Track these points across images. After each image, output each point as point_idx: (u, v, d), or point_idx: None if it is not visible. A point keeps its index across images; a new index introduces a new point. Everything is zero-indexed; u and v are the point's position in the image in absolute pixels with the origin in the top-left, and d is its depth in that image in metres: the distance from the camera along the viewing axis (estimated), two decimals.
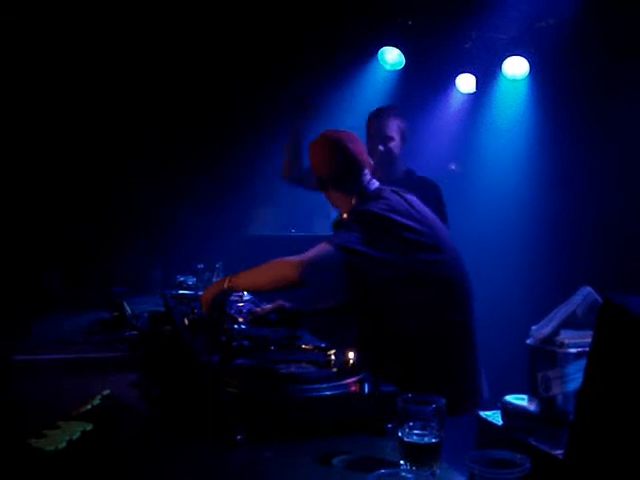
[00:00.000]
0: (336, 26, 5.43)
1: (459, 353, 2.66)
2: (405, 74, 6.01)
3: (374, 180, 2.76)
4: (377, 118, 3.78)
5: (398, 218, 2.50)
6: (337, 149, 2.72)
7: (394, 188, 2.71)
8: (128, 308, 3.30)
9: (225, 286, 2.56)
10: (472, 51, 5.86)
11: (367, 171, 2.74)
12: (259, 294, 3.34)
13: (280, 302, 2.89)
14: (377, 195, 2.64)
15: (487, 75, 5.96)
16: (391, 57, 5.95)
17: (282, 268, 2.42)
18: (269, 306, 2.94)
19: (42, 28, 4.80)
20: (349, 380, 1.88)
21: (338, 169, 2.70)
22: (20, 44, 4.77)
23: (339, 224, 2.72)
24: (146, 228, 5.48)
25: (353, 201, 2.68)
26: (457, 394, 2.55)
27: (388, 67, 6.00)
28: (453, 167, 6.25)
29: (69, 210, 5.25)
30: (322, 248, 2.44)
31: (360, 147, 2.77)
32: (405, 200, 2.62)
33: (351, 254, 2.40)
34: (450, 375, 2.61)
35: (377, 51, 5.93)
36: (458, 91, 6.10)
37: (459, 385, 2.64)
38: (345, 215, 2.76)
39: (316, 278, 2.40)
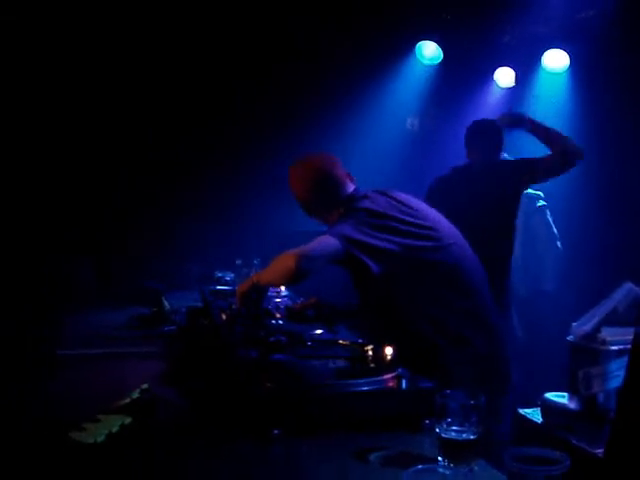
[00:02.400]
0: (374, 20, 5.41)
1: (474, 343, 2.63)
2: (443, 68, 5.98)
3: (357, 188, 2.77)
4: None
5: (387, 211, 2.53)
6: (312, 176, 2.79)
7: (381, 190, 2.72)
8: (167, 303, 3.32)
9: (254, 281, 2.60)
10: (511, 44, 5.80)
11: (348, 182, 2.77)
12: (292, 289, 3.39)
13: (314, 298, 2.90)
14: (364, 196, 2.66)
15: (526, 68, 5.89)
16: (429, 51, 5.92)
17: (283, 260, 2.43)
18: (305, 302, 2.95)
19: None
20: (386, 376, 1.87)
21: (318, 193, 2.76)
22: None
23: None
24: (186, 223, 5.52)
25: (341, 209, 2.69)
26: (480, 381, 2.52)
27: (426, 61, 5.97)
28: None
29: (105, 205, 5.30)
30: (320, 239, 2.46)
31: (331, 165, 2.80)
32: (393, 198, 2.63)
33: (349, 243, 2.41)
34: (467, 362, 2.59)
35: (415, 45, 5.90)
36: (497, 85, 6.04)
37: (480, 371, 2.61)
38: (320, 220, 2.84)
39: (314, 269, 2.41)
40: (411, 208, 2.61)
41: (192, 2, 5.14)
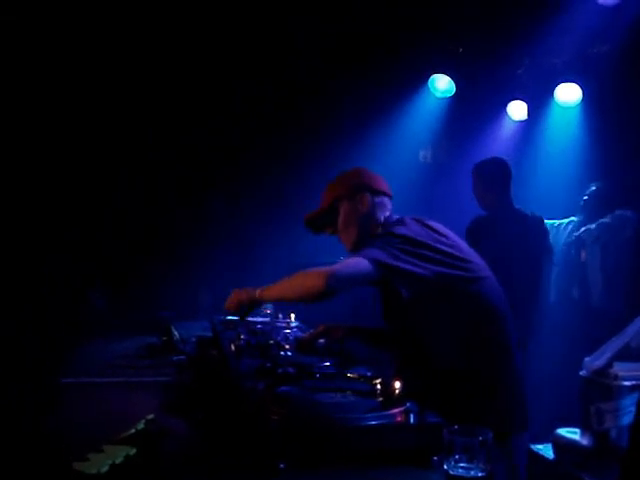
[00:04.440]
0: (387, 53, 5.45)
1: (499, 378, 2.61)
2: (456, 101, 6.00)
3: (395, 214, 2.76)
4: None
5: (423, 239, 2.49)
6: (357, 177, 2.76)
7: (415, 217, 2.70)
8: (176, 333, 3.31)
9: (257, 295, 2.57)
10: (524, 78, 5.83)
11: (386, 202, 2.76)
12: (290, 305, 3.36)
13: (323, 326, 2.88)
14: (400, 222, 2.64)
15: (539, 102, 5.91)
16: (442, 84, 5.95)
17: (309, 278, 2.40)
18: (314, 331, 2.92)
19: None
20: (395, 410, 1.85)
21: (355, 193, 2.71)
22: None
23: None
24: (198, 252, 5.53)
25: (378, 229, 2.67)
26: (500, 421, 2.49)
27: (439, 94, 6.00)
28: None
29: (117, 234, 5.32)
30: (350, 260, 2.43)
31: (383, 182, 2.79)
32: (428, 227, 2.61)
33: (379, 266, 2.38)
34: (492, 398, 2.56)
35: (428, 78, 5.93)
36: (510, 118, 6.06)
37: (502, 409, 2.58)
38: (348, 248, 2.77)
39: (342, 289, 2.37)
40: (446, 237, 2.58)
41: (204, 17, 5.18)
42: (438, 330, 2.55)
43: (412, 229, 2.56)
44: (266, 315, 3.57)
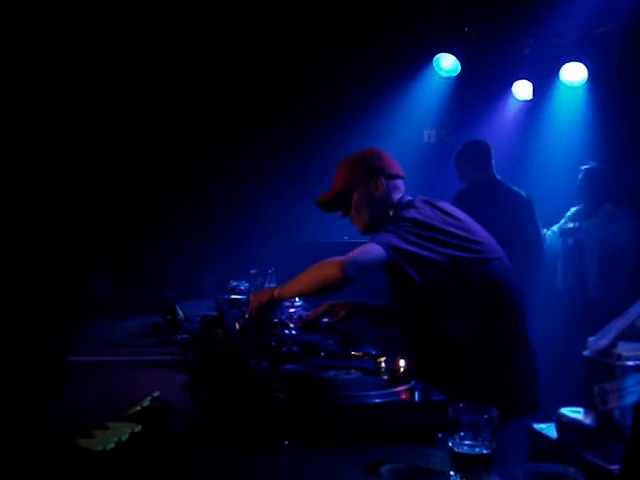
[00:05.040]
0: (392, 33, 5.41)
1: (512, 360, 2.61)
2: (461, 81, 5.97)
3: (407, 195, 2.74)
4: None
5: (435, 222, 2.49)
6: (372, 159, 2.74)
7: (425, 198, 2.69)
8: (180, 312, 3.32)
9: (275, 294, 2.56)
10: (529, 57, 5.80)
11: (399, 184, 2.74)
12: (309, 299, 3.34)
13: (327, 303, 2.88)
14: (410, 205, 2.62)
15: (544, 82, 5.88)
16: (447, 64, 5.92)
17: (326, 268, 2.40)
18: (318, 309, 2.92)
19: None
20: (399, 388, 1.85)
21: (370, 177, 2.70)
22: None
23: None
24: (199, 233, 5.53)
25: (390, 211, 2.66)
26: (511, 403, 2.50)
27: (443, 74, 5.97)
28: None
29: (122, 214, 5.32)
30: (366, 247, 2.42)
31: (396, 163, 2.77)
32: (439, 209, 2.59)
33: (395, 251, 2.37)
34: (503, 383, 2.57)
35: (432, 58, 5.89)
36: (514, 98, 6.03)
37: (513, 393, 2.58)
38: (360, 229, 2.77)
39: (360, 276, 2.38)
40: (458, 220, 2.57)
41: (208, 22, 5.17)
42: (449, 312, 2.55)
43: (423, 212, 2.55)
44: None
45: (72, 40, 4.87)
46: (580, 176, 5.18)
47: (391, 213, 2.66)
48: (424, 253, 2.40)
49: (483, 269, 2.53)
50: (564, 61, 5.67)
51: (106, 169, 5.27)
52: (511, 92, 6.01)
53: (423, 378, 1.94)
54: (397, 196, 2.71)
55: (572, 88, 5.77)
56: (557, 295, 5.25)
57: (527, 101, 6.02)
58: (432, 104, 6.06)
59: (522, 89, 5.96)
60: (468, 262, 2.49)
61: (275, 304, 2.62)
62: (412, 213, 2.52)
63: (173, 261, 5.32)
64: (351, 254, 2.40)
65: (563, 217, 5.41)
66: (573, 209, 5.35)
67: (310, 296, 2.74)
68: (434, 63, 5.92)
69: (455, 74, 5.94)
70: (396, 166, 2.75)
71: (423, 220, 2.48)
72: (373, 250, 2.39)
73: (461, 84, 5.99)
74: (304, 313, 3.09)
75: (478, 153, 4.81)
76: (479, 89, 5.94)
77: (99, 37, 4.97)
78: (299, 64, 5.60)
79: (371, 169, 2.70)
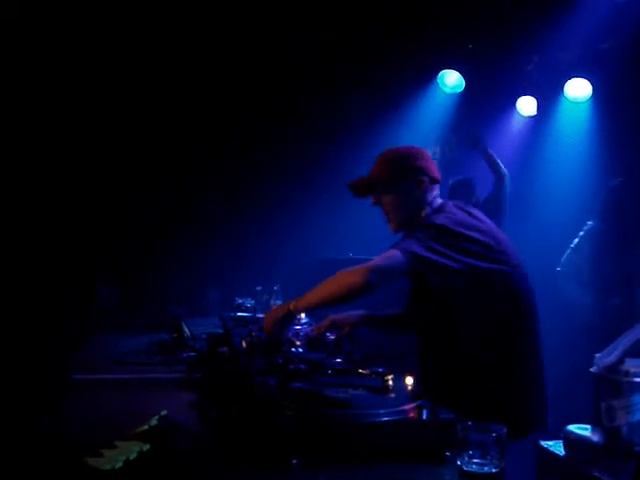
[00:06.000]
0: (396, 49, 5.44)
1: (524, 372, 2.61)
2: (465, 97, 5.98)
3: (439, 198, 2.75)
4: None
5: (462, 230, 2.48)
6: (419, 158, 2.73)
7: (457, 203, 2.70)
8: (187, 329, 3.31)
9: (291, 308, 2.55)
10: (533, 73, 5.81)
11: (435, 187, 2.74)
12: (315, 314, 3.33)
13: (330, 317, 2.87)
14: (441, 209, 2.63)
15: (549, 97, 5.89)
16: (451, 80, 5.93)
17: (347, 277, 2.41)
18: (322, 324, 2.91)
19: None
20: (407, 406, 1.85)
21: (414, 176, 2.70)
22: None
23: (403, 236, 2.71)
24: (203, 249, 5.53)
25: (422, 213, 2.66)
26: (521, 416, 2.49)
27: (448, 90, 5.98)
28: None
29: (128, 228, 5.33)
30: (388, 253, 2.43)
31: (436, 166, 2.79)
32: (469, 214, 2.60)
33: (417, 259, 2.38)
34: (514, 395, 2.56)
35: (437, 74, 5.91)
36: (519, 114, 6.04)
37: (523, 406, 2.58)
38: (394, 227, 2.76)
39: (382, 282, 2.38)
40: (485, 224, 2.59)
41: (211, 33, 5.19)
42: (467, 319, 2.55)
43: (452, 216, 2.56)
44: None
45: (72, 44, 4.90)
46: (605, 194, 5.17)
47: (423, 214, 2.67)
48: (445, 262, 2.40)
49: (504, 279, 2.53)
50: (568, 77, 5.69)
51: (112, 184, 5.29)
52: (515, 108, 6.02)
53: (434, 386, 1.93)
54: (432, 199, 2.72)
55: (577, 104, 5.77)
56: (576, 309, 5.22)
57: (531, 117, 6.03)
58: (437, 120, 6.08)
59: (526, 105, 5.97)
60: (490, 272, 2.49)
61: (291, 318, 2.61)
62: (441, 219, 2.53)
63: (177, 276, 5.32)
64: (374, 261, 2.42)
65: (576, 233, 5.38)
66: (590, 223, 5.32)
67: (329, 306, 2.71)
68: (438, 79, 5.94)
69: (459, 90, 5.95)
70: (437, 170, 2.76)
71: (450, 227, 2.48)
72: (394, 257, 2.40)
73: (465, 100, 6.00)
74: (310, 330, 3.08)
75: (468, 188, 5.15)
76: (483, 105, 5.95)
77: (99, 40, 4.99)
78: (302, 82, 5.62)
79: (416, 167, 2.71)
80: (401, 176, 2.70)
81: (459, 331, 2.58)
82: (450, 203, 2.69)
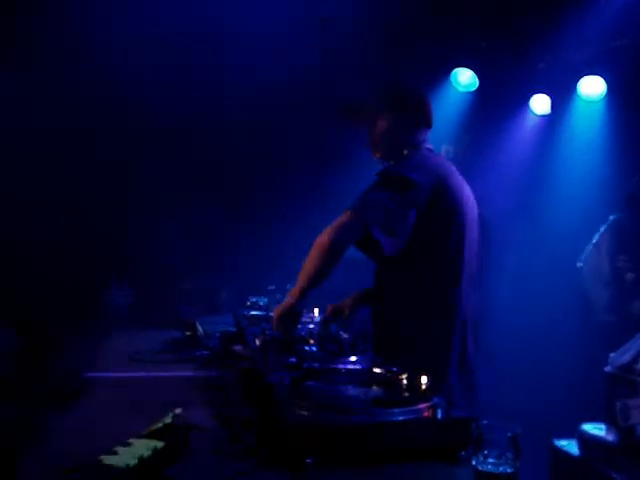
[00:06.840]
0: (409, 47, 5.43)
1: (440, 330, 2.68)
2: (478, 95, 5.97)
3: (428, 143, 2.82)
4: None
5: (425, 182, 2.57)
6: (425, 101, 2.87)
7: (439, 154, 2.90)
8: (200, 328, 3.32)
9: (291, 300, 2.59)
10: (547, 71, 5.78)
11: (426, 132, 2.83)
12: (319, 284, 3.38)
13: (330, 306, 2.92)
14: (416, 154, 2.75)
15: (562, 96, 5.87)
16: (464, 78, 5.92)
17: (316, 244, 2.56)
18: (325, 315, 2.96)
19: None
20: (421, 405, 1.84)
21: (412, 108, 2.81)
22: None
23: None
24: (216, 248, 5.55)
25: (404, 151, 2.75)
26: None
27: (461, 88, 5.97)
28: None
29: (140, 227, 5.36)
30: (344, 214, 2.58)
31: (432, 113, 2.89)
32: (441, 162, 2.75)
33: (368, 220, 2.54)
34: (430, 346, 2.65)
35: (450, 72, 5.90)
36: (532, 112, 6.02)
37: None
38: (376, 155, 2.87)
39: (346, 240, 2.57)
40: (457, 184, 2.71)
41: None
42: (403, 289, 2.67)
43: (424, 167, 2.65)
44: None
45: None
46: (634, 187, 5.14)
47: (405, 153, 2.76)
48: (391, 206, 2.53)
49: (451, 240, 2.63)
50: (582, 75, 5.66)
51: (125, 184, 5.32)
52: (529, 106, 6.00)
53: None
54: (418, 142, 2.80)
55: (590, 102, 5.75)
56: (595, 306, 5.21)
57: (545, 115, 6.01)
58: (450, 119, 6.06)
59: (540, 103, 5.95)
60: (439, 232, 2.63)
61: (293, 310, 2.64)
62: (411, 171, 2.60)
63: (191, 275, 5.33)
64: (334, 222, 2.58)
65: (593, 230, 5.36)
66: (612, 217, 5.28)
67: (319, 278, 2.74)
68: (452, 78, 5.92)
69: (473, 89, 5.94)
70: (431, 114, 2.86)
71: (416, 180, 2.56)
72: (350, 218, 2.57)
73: (479, 99, 5.98)
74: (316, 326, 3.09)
75: None
76: (497, 104, 5.94)
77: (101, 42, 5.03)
78: (312, 79, 5.62)
79: (420, 104, 2.84)
80: (404, 104, 2.81)
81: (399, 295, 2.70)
82: (435, 154, 2.81)
